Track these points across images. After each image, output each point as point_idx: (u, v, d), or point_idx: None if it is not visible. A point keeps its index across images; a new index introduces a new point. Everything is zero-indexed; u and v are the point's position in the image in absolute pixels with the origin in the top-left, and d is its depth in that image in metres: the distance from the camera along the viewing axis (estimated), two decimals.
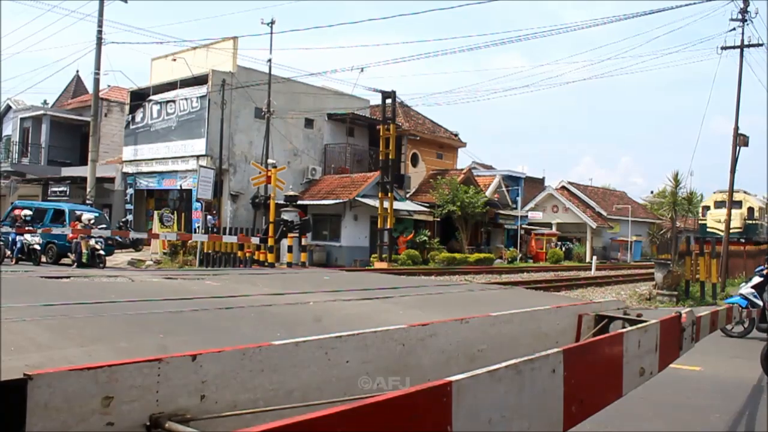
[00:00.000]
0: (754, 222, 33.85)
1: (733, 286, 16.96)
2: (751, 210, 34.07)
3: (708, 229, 32.30)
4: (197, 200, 23.18)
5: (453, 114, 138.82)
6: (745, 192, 33.56)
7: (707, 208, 34.92)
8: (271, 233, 20.18)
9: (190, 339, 5.37)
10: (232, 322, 6.70)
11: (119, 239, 22.66)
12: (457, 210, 28.41)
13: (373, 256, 25.23)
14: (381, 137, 25.89)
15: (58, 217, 19.79)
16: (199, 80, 26.07)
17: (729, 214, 20.53)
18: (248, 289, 9.99)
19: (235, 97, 25.66)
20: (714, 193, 34.88)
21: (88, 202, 24.03)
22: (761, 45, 19.02)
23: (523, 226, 36.19)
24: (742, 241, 28.04)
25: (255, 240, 20.04)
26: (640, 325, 2.82)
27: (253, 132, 26.62)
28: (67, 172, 30.95)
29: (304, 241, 21.96)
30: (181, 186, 26.89)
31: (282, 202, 23.41)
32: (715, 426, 4.80)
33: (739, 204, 31.04)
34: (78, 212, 19.03)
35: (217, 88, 25.22)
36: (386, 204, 25.23)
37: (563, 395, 1.96)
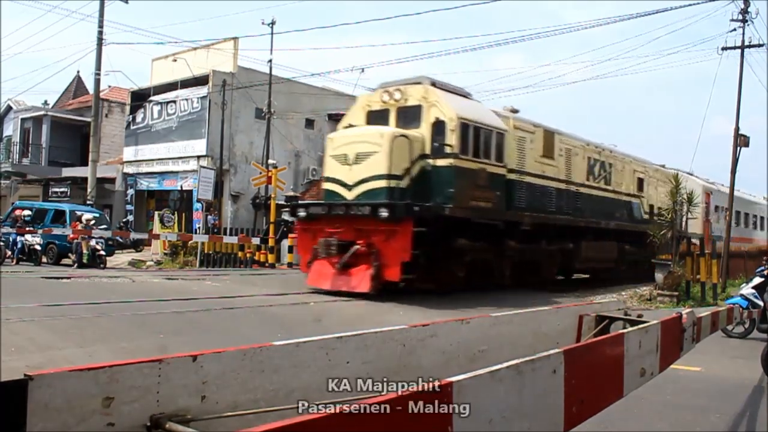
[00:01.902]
0: (437, 163, 11.80)
1: (734, 286, 16.94)
2: (439, 127, 11.73)
3: (327, 187, 12.52)
4: (198, 201, 23.19)
5: None
6: (435, 85, 12.43)
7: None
8: (271, 234, 20.19)
9: (190, 339, 5.38)
10: (232, 322, 6.71)
11: (120, 240, 22.68)
12: None
13: None
14: None
15: (59, 217, 19.79)
16: (199, 81, 26.06)
17: (730, 217, 20.54)
18: (249, 290, 10.00)
19: (235, 97, 25.65)
20: (370, 92, 14.12)
21: (88, 202, 24.04)
22: (762, 45, 18.97)
23: None
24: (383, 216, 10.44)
25: (255, 240, 20.04)
26: (640, 326, 2.82)
27: (253, 132, 26.60)
28: (67, 172, 30.96)
29: None
30: (181, 186, 26.88)
31: (283, 202, 23.40)
32: (715, 426, 4.80)
33: (414, 117, 12.14)
34: (79, 213, 19.04)
35: (217, 89, 25.21)
36: None
37: (564, 396, 1.96)
